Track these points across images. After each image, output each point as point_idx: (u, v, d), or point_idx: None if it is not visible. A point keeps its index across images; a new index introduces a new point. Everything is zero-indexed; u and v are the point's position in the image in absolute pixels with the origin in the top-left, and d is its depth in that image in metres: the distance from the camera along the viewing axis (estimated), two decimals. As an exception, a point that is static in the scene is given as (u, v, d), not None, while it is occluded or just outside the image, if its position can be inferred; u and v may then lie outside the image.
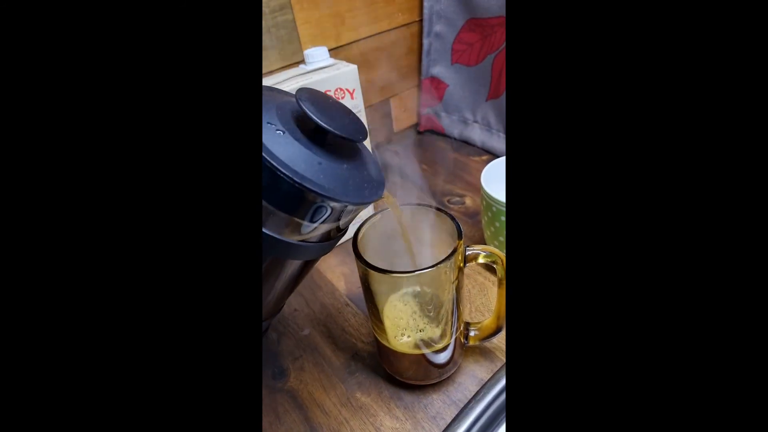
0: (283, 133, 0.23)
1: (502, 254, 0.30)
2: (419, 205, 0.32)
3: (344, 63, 0.45)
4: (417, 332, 0.32)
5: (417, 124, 0.75)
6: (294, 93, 0.24)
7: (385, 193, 0.27)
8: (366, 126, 0.26)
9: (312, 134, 0.23)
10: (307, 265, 0.28)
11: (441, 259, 0.27)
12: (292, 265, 0.26)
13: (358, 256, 0.29)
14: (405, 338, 0.32)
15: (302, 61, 0.49)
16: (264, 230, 0.23)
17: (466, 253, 0.30)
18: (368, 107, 0.67)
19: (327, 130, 0.22)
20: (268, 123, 0.23)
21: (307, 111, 0.22)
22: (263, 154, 0.21)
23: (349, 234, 0.52)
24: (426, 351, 0.32)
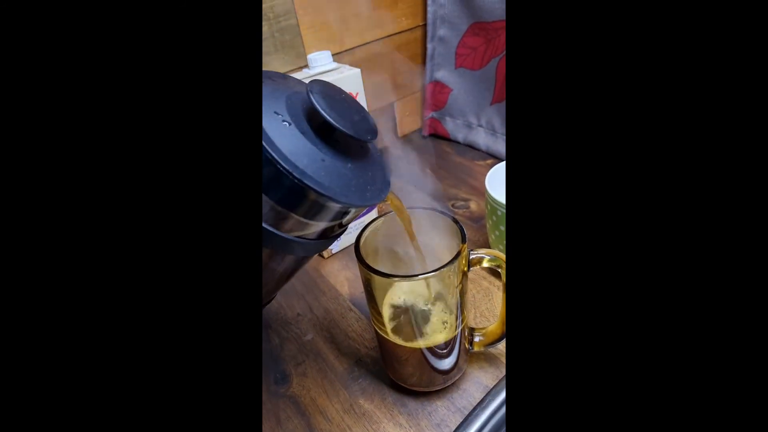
0: (289, 124, 0.22)
1: (507, 258, 0.30)
2: (423, 208, 0.32)
3: (348, 67, 0.45)
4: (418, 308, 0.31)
5: (421, 129, 0.75)
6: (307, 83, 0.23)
7: (390, 195, 0.26)
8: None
9: (319, 129, 0.22)
10: (303, 260, 0.27)
11: (445, 262, 0.27)
12: (287, 259, 0.25)
13: (361, 261, 0.28)
14: (401, 318, 0.32)
15: (306, 66, 0.49)
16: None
17: (470, 257, 0.30)
18: (372, 111, 0.67)
19: (334, 126, 0.21)
20: (275, 113, 0.22)
21: (316, 105, 0.21)
22: (265, 144, 0.20)
23: (352, 238, 0.53)
24: (423, 345, 0.31)
